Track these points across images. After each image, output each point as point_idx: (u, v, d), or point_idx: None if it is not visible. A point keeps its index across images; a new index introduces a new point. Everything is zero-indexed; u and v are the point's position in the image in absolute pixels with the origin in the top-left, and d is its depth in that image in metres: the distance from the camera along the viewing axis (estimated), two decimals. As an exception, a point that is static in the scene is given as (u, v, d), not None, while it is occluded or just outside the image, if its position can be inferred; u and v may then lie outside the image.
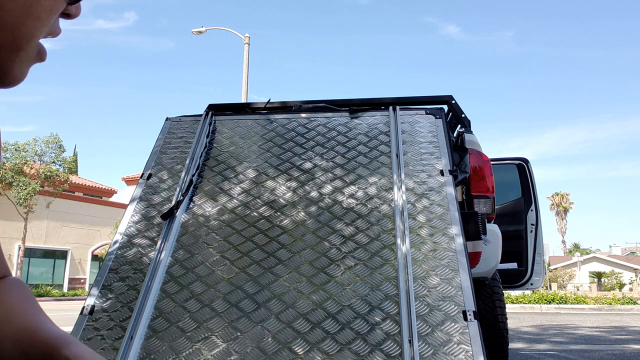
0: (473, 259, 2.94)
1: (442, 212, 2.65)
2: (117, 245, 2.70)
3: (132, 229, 2.77)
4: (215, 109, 3.47)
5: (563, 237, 56.81)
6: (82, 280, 28.99)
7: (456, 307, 2.23)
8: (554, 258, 49.72)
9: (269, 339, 2.19)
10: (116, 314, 2.38)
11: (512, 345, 6.12)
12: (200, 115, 3.43)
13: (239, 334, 2.23)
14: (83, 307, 2.43)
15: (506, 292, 15.48)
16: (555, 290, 25.86)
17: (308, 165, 3.02)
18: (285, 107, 3.60)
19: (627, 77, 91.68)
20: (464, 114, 3.57)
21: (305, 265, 2.48)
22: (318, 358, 2.10)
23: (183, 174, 3.00)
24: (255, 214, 2.77)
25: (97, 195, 31.98)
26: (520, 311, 15.15)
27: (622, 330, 8.59)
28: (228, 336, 2.23)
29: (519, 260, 5.46)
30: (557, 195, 55.54)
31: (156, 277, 2.48)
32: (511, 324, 9.73)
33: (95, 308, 2.42)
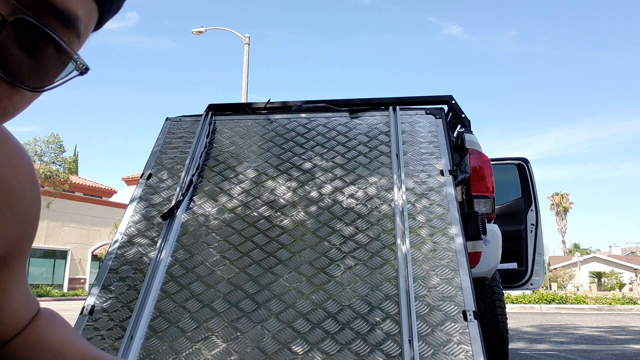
0: (473, 259, 2.94)
1: (442, 212, 2.65)
2: (117, 245, 2.70)
3: (132, 229, 2.77)
4: (215, 109, 3.47)
5: (563, 237, 56.82)
6: (82, 280, 28.99)
7: (456, 307, 2.23)
8: (554, 258, 49.71)
9: (269, 339, 2.19)
10: (116, 314, 2.38)
11: (512, 345, 6.12)
12: (200, 115, 3.43)
13: (239, 334, 2.23)
14: (83, 307, 2.43)
15: (506, 292, 15.47)
16: (555, 290, 25.85)
17: (308, 165, 3.02)
18: (285, 107, 3.60)
19: (628, 77, 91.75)
20: (464, 114, 3.57)
21: (305, 265, 2.48)
22: (318, 358, 2.10)
23: (183, 174, 3.00)
24: (255, 214, 2.77)
25: (97, 195, 31.98)
26: (520, 311, 15.15)
27: (622, 330, 8.59)
28: (228, 336, 2.23)
29: (519, 260, 5.45)
30: (557, 195, 55.54)
31: (156, 277, 2.48)
32: (511, 324, 9.73)
33: (95, 308, 2.42)
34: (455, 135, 3.68)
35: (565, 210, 55.68)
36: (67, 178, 24.39)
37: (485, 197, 3.42)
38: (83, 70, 0.48)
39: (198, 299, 2.39)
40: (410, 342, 2.09)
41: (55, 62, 0.46)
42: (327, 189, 2.86)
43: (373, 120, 3.28)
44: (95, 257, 29.37)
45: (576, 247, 61.92)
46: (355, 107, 3.43)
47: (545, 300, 16.79)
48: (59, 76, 0.48)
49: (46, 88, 0.47)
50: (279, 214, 2.76)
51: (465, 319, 2.18)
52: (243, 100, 14.74)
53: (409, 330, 2.13)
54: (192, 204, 2.87)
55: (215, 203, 2.86)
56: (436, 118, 3.19)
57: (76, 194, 29.79)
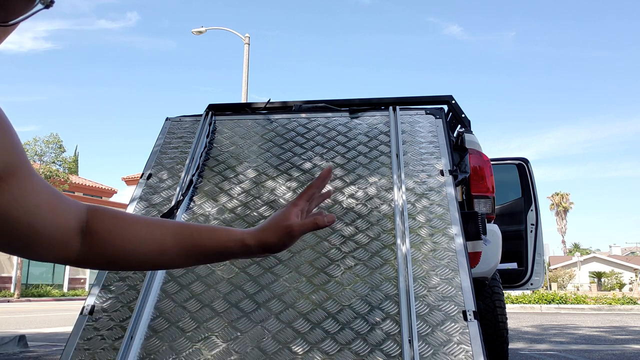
0: (473, 259, 2.94)
1: (442, 212, 2.65)
2: (117, 245, 2.70)
3: (132, 229, 2.77)
4: (215, 109, 3.47)
5: (563, 237, 56.83)
6: (82, 280, 28.99)
7: (456, 307, 2.23)
8: (554, 258, 49.71)
9: (269, 339, 2.19)
10: (116, 314, 2.38)
11: (512, 345, 6.11)
12: (200, 115, 3.43)
13: (239, 334, 2.23)
14: (83, 307, 2.43)
15: (506, 292, 15.47)
16: (555, 290, 25.85)
17: (308, 165, 3.02)
18: (285, 107, 3.59)
19: (629, 77, 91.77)
20: (464, 114, 3.57)
21: (305, 265, 2.48)
22: (318, 358, 2.10)
23: (183, 174, 3.00)
24: (255, 214, 2.77)
25: (97, 195, 31.98)
26: (520, 311, 15.15)
27: (622, 330, 8.59)
28: (228, 336, 2.23)
29: (519, 260, 5.45)
30: (557, 195, 55.56)
31: (156, 277, 2.48)
32: (511, 324, 9.73)
33: (95, 308, 2.42)
34: (455, 135, 3.68)
35: (565, 210, 55.69)
36: (67, 178, 24.37)
37: (485, 197, 3.41)
38: (48, 3, 0.50)
39: (198, 299, 2.39)
40: (410, 342, 2.09)
41: None
42: (327, 189, 2.86)
43: (373, 120, 3.28)
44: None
45: (576, 247, 61.94)
46: (355, 107, 3.43)
47: (545, 300, 16.78)
48: (25, 11, 0.50)
49: (12, 22, 0.49)
50: (279, 214, 2.75)
51: (465, 319, 2.18)
52: (243, 100, 14.74)
53: (409, 330, 2.13)
54: (192, 204, 2.87)
55: (215, 203, 2.86)
56: (436, 118, 3.19)
57: (76, 194, 29.78)
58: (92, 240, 0.67)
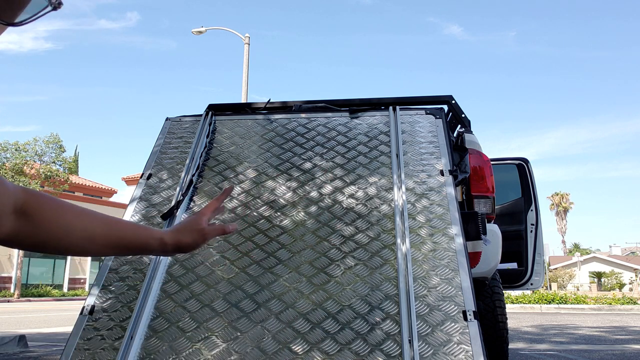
0: (473, 259, 2.94)
1: (442, 212, 2.65)
2: (117, 245, 2.70)
3: (132, 229, 2.77)
4: (215, 109, 3.47)
5: (563, 237, 56.84)
6: (82, 280, 28.98)
7: (456, 307, 2.23)
8: (554, 258, 49.71)
9: (269, 339, 2.19)
10: (116, 314, 2.38)
11: (512, 345, 6.11)
12: (200, 115, 3.43)
13: (239, 334, 2.23)
14: (83, 307, 2.43)
15: (506, 292, 15.47)
16: (555, 290, 25.85)
17: (308, 165, 3.02)
18: (285, 107, 3.59)
19: (629, 77, 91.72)
20: (464, 114, 3.57)
21: (305, 265, 2.48)
22: (318, 358, 2.10)
23: (183, 174, 3.00)
24: (255, 214, 2.77)
25: (97, 195, 31.99)
26: (520, 311, 15.15)
27: (622, 330, 8.58)
28: (228, 336, 2.23)
29: (519, 260, 5.45)
30: (557, 195, 55.58)
31: (156, 277, 2.48)
32: (511, 324, 9.72)
33: (95, 308, 2.42)
34: (455, 135, 3.67)
35: (565, 210, 55.71)
36: (67, 178, 24.35)
37: (485, 197, 3.41)
38: (56, 5, 0.52)
39: (198, 299, 2.39)
40: (410, 342, 2.09)
41: None
42: (327, 189, 2.86)
43: (373, 120, 3.28)
44: (95, 257, 29.36)
45: (576, 247, 61.95)
46: (355, 107, 3.43)
47: (545, 300, 16.78)
48: (34, 12, 0.51)
49: (23, 23, 0.51)
50: (279, 214, 2.76)
51: (465, 319, 2.18)
52: (243, 100, 14.74)
53: (409, 330, 2.13)
54: (192, 204, 2.87)
55: (215, 203, 2.86)
56: (436, 118, 3.19)
57: (76, 194, 29.78)
58: (26, 222, 0.69)
